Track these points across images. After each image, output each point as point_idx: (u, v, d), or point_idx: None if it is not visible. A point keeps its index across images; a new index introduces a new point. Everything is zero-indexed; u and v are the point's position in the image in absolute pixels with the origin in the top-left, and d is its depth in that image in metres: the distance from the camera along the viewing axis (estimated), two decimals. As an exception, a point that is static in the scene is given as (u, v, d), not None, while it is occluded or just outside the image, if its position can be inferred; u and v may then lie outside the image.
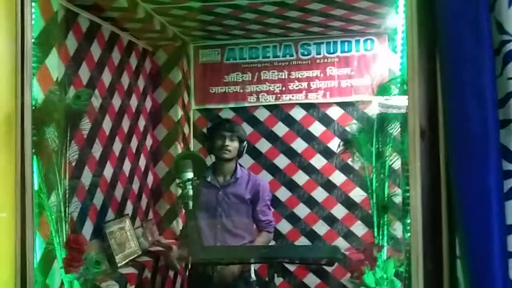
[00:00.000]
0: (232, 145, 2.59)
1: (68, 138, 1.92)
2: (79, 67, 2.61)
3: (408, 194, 1.92)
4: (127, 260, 2.87)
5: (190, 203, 2.20)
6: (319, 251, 2.09)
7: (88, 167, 2.64)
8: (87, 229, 2.62)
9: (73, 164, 2.42)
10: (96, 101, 2.71)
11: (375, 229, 1.96)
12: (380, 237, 1.95)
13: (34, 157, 1.71)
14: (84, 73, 2.66)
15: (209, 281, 2.45)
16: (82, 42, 2.65)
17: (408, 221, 1.93)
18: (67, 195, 1.88)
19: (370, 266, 1.90)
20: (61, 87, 2.12)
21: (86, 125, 2.27)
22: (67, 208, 1.88)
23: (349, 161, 3.39)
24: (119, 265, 2.75)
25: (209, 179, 2.63)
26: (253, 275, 2.13)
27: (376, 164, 1.98)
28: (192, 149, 3.76)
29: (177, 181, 3.48)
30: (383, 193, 1.97)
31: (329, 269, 3.55)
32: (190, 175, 2.23)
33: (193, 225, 2.48)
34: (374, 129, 1.97)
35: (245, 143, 2.64)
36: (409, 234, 1.93)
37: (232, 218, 2.67)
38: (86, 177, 2.61)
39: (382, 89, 2.00)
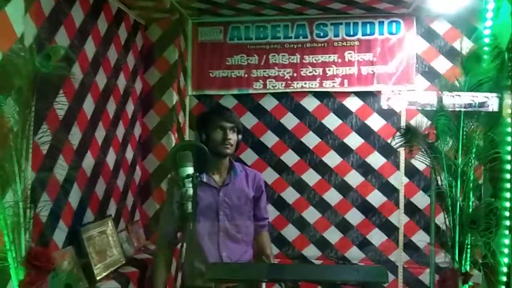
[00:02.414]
0: (234, 138, 2.20)
1: (33, 114, 1.40)
2: (55, 32, 2.10)
3: (507, 204, 1.48)
4: (108, 272, 2.40)
5: (190, 205, 1.78)
6: (357, 272, 1.62)
7: (63, 157, 2.14)
8: (60, 234, 2.14)
9: (44, 151, 1.94)
10: (76, 76, 2.19)
11: (456, 251, 1.48)
12: (463, 261, 1.47)
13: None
14: (62, 40, 2.15)
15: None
16: (61, 2, 2.13)
17: (506, 240, 1.49)
18: (28, 192, 1.36)
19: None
20: (29, 50, 1.60)
21: (61, 102, 1.74)
22: (29, 210, 1.36)
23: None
24: (98, 278, 2.28)
25: (204, 179, 2.16)
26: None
27: (460, 165, 1.50)
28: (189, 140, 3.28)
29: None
30: (469, 203, 1.49)
31: None
32: (190, 170, 1.81)
33: (192, 233, 2.03)
34: (461, 119, 1.49)
35: (241, 135, 2.27)
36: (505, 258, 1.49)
37: (235, 222, 2.26)
38: (61, 169, 2.10)
39: (474, 58, 1.53)
